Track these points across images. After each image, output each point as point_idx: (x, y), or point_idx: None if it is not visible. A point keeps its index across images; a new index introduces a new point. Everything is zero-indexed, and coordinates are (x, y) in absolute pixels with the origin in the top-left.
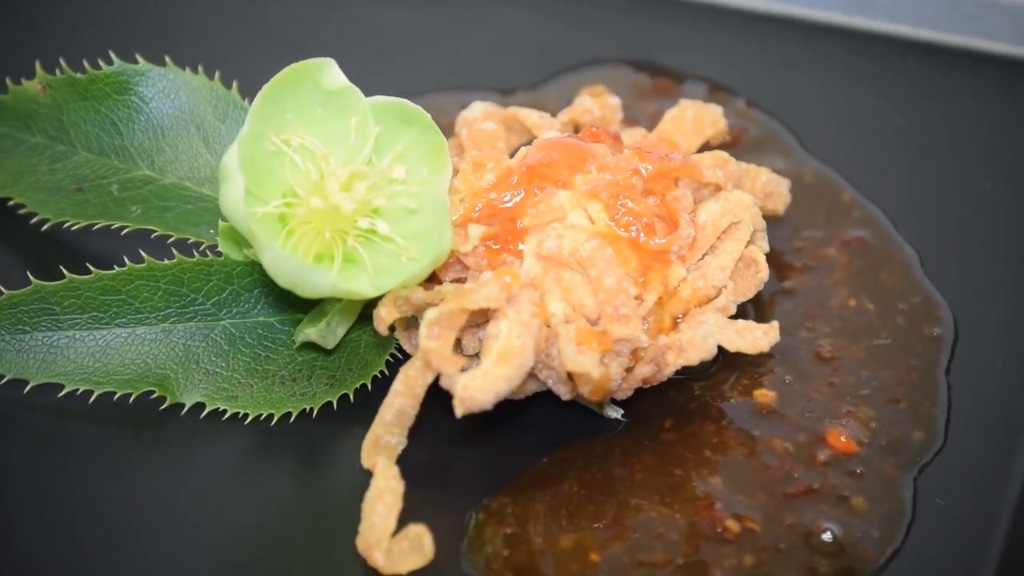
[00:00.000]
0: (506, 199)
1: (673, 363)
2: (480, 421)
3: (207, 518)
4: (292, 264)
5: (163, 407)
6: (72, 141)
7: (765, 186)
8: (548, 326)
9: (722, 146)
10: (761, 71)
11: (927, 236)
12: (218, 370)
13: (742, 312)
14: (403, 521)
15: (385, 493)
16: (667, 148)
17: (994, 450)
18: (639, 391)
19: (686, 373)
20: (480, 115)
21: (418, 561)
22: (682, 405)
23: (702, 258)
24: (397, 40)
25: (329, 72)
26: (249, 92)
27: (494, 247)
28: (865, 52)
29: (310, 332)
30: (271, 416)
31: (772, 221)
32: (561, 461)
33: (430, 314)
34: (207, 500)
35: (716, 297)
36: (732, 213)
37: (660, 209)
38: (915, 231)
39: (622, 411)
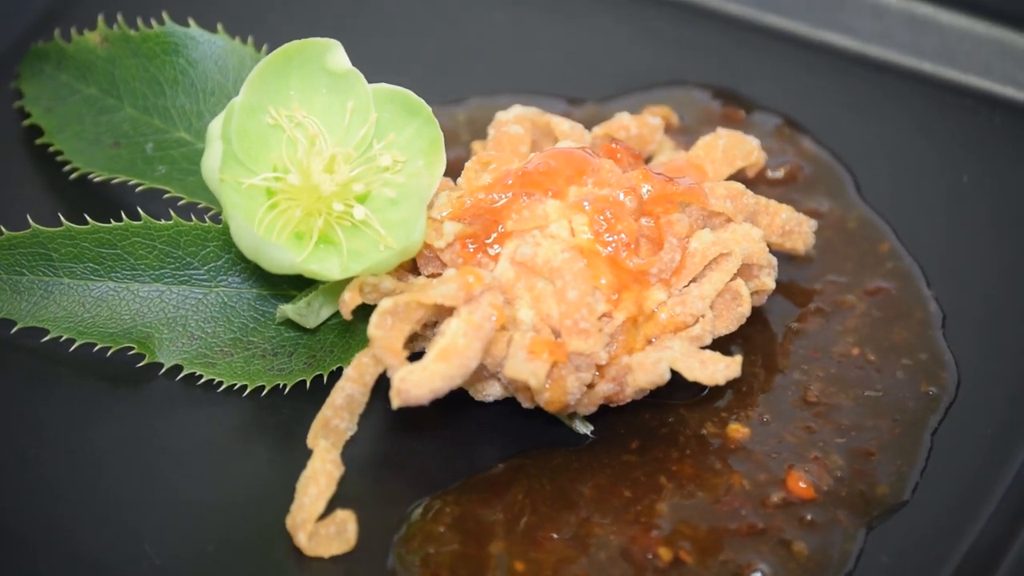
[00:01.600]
0: (494, 201)
1: (633, 384)
2: (446, 419)
3: (165, 475)
4: (252, 236)
5: (140, 364)
6: (121, 96)
7: (784, 224)
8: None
9: (776, 181)
10: (838, 111)
11: (959, 297)
12: (203, 335)
13: (750, 345)
14: (345, 506)
15: (320, 475)
16: (693, 174)
17: (955, 516)
18: (614, 409)
19: (668, 398)
20: (512, 118)
21: (340, 547)
22: (653, 429)
23: (687, 285)
24: (482, 38)
25: (333, 53)
26: None
27: (471, 247)
28: (950, 104)
29: (287, 309)
30: (244, 387)
31: (800, 261)
32: (516, 468)
33: (385, 303)
34: (168, 459)
35: (694, 325)
36: (723, 244)
37: (652, 231)
38: (948, 291)
39: (592, 427)
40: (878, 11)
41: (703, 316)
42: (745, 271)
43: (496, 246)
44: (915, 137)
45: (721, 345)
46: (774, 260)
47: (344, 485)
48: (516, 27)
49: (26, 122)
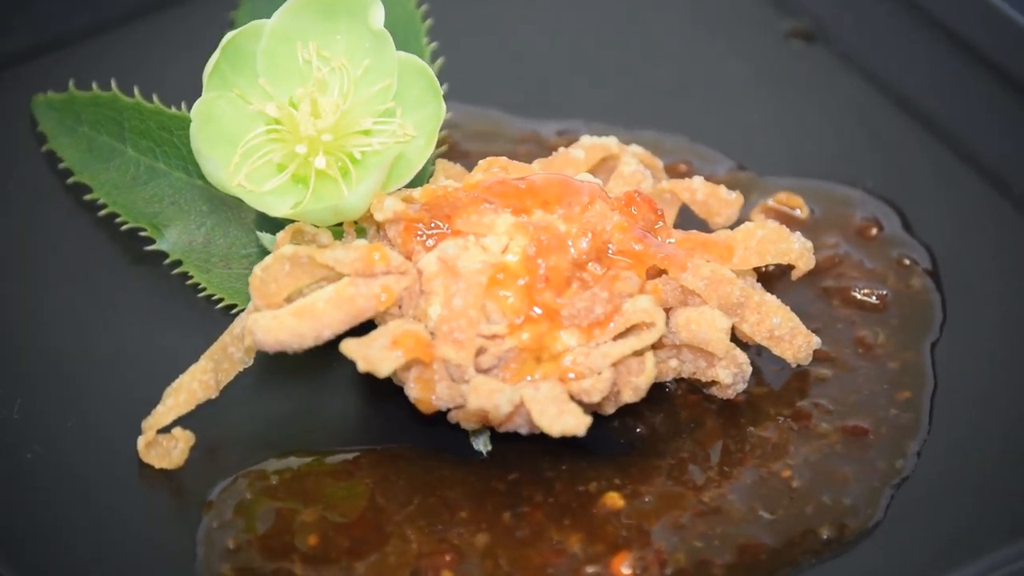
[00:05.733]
0: (457, 197)
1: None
2: (373, 389)
3: (96, 344)
4: (196, 141)
5: (148, 248)
6: None
7: (774, 328)
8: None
9: (854, 300)
10: (981, 264)
11: (942, 470)
12: (217, 242)
13: (698, 433)
14: (220, 434)
15: (183, 390)
16: (715, 253)
17: None
18: (520, 437)
19: (587, 447)
20: (587, 144)
21: (168, 463)
22: (541, 469)
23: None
24: (693, 82)
25: (373, 10)
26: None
27: (420, 232)
28: None
29: (264, 238)
30: (220, 300)
31: (813, 377)
32: (389, 455)
33: (285, 248)
34: (112, 332)
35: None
36: (650, 314)
37: (594, 279)
38: (935, 459)
39: (489, 447)
40: None
41: (600, 374)
42: (708, 358)
43: (435, 239)
44: None
45: (671, 426)
46: (741, 357)
47: (230, 414)
48: (725, 80)
49: (233, 13)
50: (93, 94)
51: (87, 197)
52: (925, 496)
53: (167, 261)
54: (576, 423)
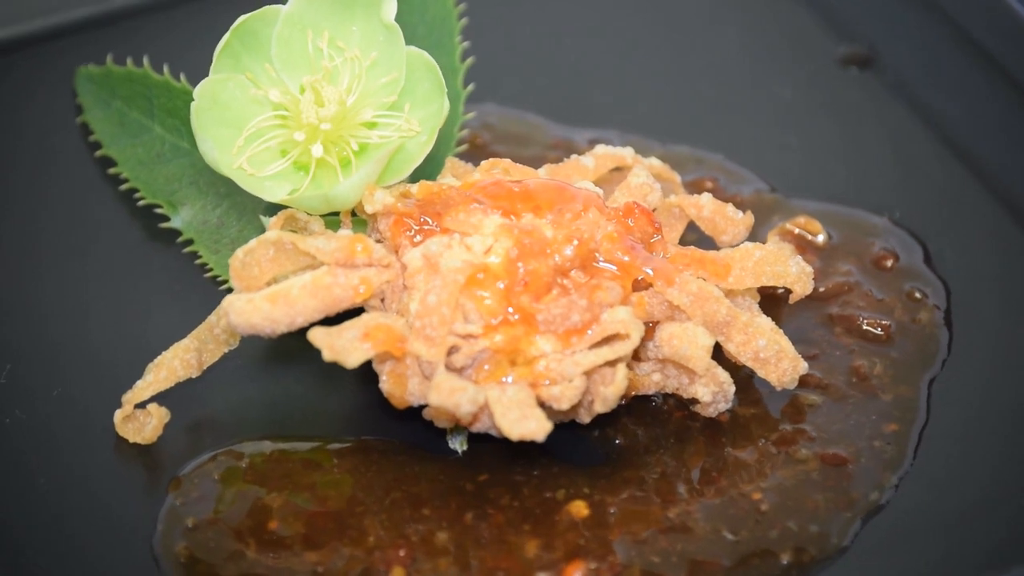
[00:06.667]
0: (449, 195)
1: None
2: (356, 380)
3: (93, 316)
4: (195, 124)
5: (162, 224)
6: None
7: (760, 351)
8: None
9: (856, 329)
10: (1002, 307)
11: (917, 503)
12: (230, 224)
13: (678, 450)
14: (203, 414)
15: (162, 367)
16: (710, 271)
17: None
18: (498, 440)
19: (565, 458)
20: (599, 153)
21: (141, 438)
22: (512, 473)
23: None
24: (731, 102)
25: (386, 3)
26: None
27: (412, 228)
28: None
29: (267, 222)
30: (225, 281)
31: (802, 404)
32: (363, 447)
33: (270, 233)
34: (109, 303)
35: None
36: (626, 325)
37: (576, 286)
38: (914, 494)
39: (465, 447)
40: None
41: (571, 382)
42: (691, 375)
43: (423, 235)
44: None
45: (651, 441)
46: (722, 376)
47: (214, 394)
48: (770, 101)
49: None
50: (128, 70)
51: (111, 171)
52: (895, 529)
53: (179, 240)
54: (536, 428)
